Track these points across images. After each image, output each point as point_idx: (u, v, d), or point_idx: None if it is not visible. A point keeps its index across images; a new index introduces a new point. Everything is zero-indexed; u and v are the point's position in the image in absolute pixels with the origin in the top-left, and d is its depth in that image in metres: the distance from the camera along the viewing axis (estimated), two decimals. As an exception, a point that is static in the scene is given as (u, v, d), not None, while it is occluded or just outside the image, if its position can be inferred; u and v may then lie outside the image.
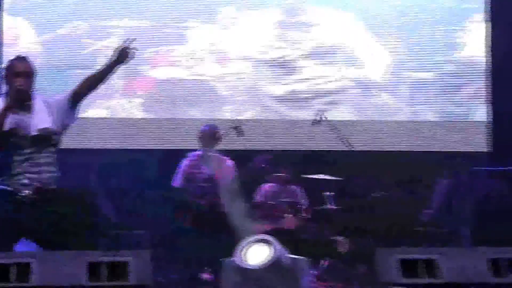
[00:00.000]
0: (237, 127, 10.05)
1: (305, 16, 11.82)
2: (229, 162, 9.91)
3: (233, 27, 11.77)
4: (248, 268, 5.83)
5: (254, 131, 11.16)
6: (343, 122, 11.15)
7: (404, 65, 11.93)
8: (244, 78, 11.78)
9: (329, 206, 10.15)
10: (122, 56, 6.47)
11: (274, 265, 5.77)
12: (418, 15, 11.98)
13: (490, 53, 11.89)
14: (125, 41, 6.50)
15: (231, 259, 6.14)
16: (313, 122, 10.59)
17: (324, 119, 10.52)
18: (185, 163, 9.78)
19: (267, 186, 10.41)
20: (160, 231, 9.90)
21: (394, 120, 11.82)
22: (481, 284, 5.97)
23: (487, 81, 11.89)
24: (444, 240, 10.19)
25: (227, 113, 11.68)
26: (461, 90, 11.93)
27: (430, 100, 11.91)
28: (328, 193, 10.18)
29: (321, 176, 10.25)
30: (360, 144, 10.80)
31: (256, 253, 5.86)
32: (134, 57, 6.50)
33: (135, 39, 6.57)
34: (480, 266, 6.02)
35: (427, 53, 11.99)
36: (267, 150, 11.03)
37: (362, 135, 11.22)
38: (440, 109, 11.90)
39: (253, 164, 10.41)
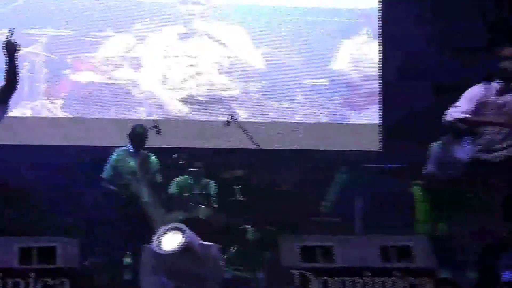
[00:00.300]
0: (156, 127, 9.96)
1: (208, 29, 11.78)
2: (153, 158, 9.81)
3: (145, 37, 11.65)
4: (162, 253, 5.76)
5: (172, 130, 11.04)
6: (250, 123, 11.09)
7: (300, 74, 11.88)
8: (156, 82, 11.66)
9: (237, 198, 10.10)
10: (11, 47, 6.47)
11: (185, 251, 5.71)
12: (312, 28, 11.92)
13: (380, 63, 11.92)
14: (7, 34, 6.52)
15: (149, 245, 6.08)
16: (224, 123, 10.55)
17: (234, 120, 10.49)
18: (113, 157, 9.68)
19: (182, 179, 10.34)
20: (87, 219, 9.75)
21: (292, 121, 11.81)
22: (372, 268, 5.97)
23: (378, 88, 11.92)
24: (340, 229, 10.23)
25: (140, 113, 11.55)
26: (354, 95, 11.95)
27: (323, 104, 11.90)
28: (237, 186, 10.14)
29: (233, 171, 10.23)
30: (264, 142, 10.74)
31: (170, 240, 5.79)
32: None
33: (14, 28, 6.62)
34: (371, 252, 6.03)
35: (321, 63, 11.93)
36: (183, 148, 10.96)
37: (266, 135, 11.16)
38: (333, 112, 11.90)
39: (171, 160, 10.33)
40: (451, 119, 6.91)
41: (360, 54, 12.05)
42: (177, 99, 11.70)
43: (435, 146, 7.16)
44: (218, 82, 11.76)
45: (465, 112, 6.87)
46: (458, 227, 10.17)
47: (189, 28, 11.78)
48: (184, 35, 11.75)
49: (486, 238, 6.92)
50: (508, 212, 6.74)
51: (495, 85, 6.92)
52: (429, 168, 7.29)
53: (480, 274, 6.74)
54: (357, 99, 12.00)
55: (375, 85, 11.96)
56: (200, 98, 11.73)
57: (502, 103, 6.91)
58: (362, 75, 12.02)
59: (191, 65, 11.75)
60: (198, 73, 11.76)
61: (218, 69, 11.77)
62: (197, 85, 11.72)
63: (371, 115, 11.94)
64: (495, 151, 6.89)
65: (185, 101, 11.72)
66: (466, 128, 6.89)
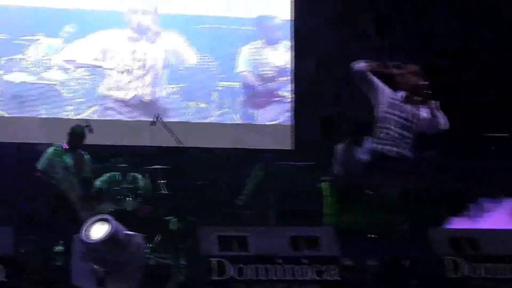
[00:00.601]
0: (88, 126, 9.83)
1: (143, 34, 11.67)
2: (86, 156, 9.71)
3: (76, 40, 11.46)
4: (90, 242, 5.65)
5: (103, 129, 10.88)
6: (174, 123, 10.99)
7: (216, 76, 11.80)
8: (85, 83, 11.46)
9: (162, 192, 10.02)
10: None
11: (111, 239, 5.62)
12: (228, 35, 11.86)
13: (293, 67, 11.91)
14: None
15: (79, 234, 5.98)
16: (151, 123, 10.46)
17: (159, 120, 10.40)
18: (50, 150, 9.54)
19: (111, 175, 10.20)
20: (22, 209, 9.55)
21: (207, 122, 11.73)
22: (283, 256, 5.93)
23: (291, 91, 11.91)
24: (254, 220, 10.23)
25: (68, 112, 11.38)
26: (269, 97, 11.93)
27: (236, 105, 11.85)
28: (162, 181, 10.05)
29: (157, 167, 10.14)
30: (187, 141, 10.65)
31: (97, 230, 5.69)
32: None
33: None
34: (282, 242, 6.00)
35: (234, 66, 11.89)
36: (113, 145, 10.85)
37: (188, 134, 11.07)
38: (245, 112, 11.87)
39: (102, 157, 10.21)
40: (360, 68, 6.95)
41: (271, 59, 12.02)
42: (108, 99, 11.54)
43: (339, 147, 7.22)
44: (145, 84, 11.62)
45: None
46: (362, 219, 10.25)
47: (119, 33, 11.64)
48: (114, 40, 11.59)
49: (386, 229, 6.97)
50: (404, 203, 6.83)
51: (401, 93, 7.05)
52: (335, 168, 7.34)
53: (381, 261, 6.80)
54: (269, 101, 11.97)
55: (288, 88, 11.95)
56: (129, 99, 11.58)
57: (404, 109, 7.02)
58: (274, 79, 11.99)
59: (122, 67, 11.59)
60: (128, 75, 11.60)
61: (146, 71, 11.64)
62: (126, 86, 11.57)
63: (284, 117, 11.93)
64: (389, 145, 6.99)
65: (115, 100, 11.57)
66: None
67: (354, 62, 7.03)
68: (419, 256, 6.33)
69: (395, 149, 7.00)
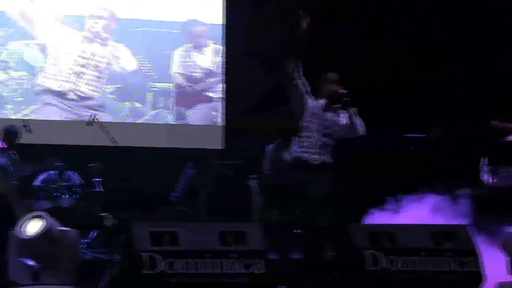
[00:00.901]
0: (26, 126, 9.75)
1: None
2: (16, 155, 9.64)
3: (11, 41, 11.36)
4: (24, 238, 5.60)
5: (41, 129, 10.78)
6: (110, 123, 10.94)
7: (150, 77, 11.77)
8: (23, 82, 11.33)
9: (97, 189, 9.96)
10: None
11: (45, 235, 5.57)
12: (162, 38, 11.88)
13: (223, 69, 11.92)
14: None
15: (14, 230, 5.92)
16: (87, 123, 10.40)
17: (95, 120, 10.35)
18: None
19: (48, 173, 10.10)
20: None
21: (141, 122, 11.68)
22: (212, 251, 5.95)
23: (222, 92, 11.93)
24: (186, 216, 10.23)
25: (7, 111, 11.30)
26: (200, 98, 11.94)
27: (170, 106, 11.83)
28: (97, 179, 9.99)
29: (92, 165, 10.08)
30: (122, 140, 10.63)
31: (32, 226, 5.64)
32: None
33: None
34: (211, 237, 6.01)
35: (167, 68, 11.86)
36: (51, 145, 10.75)
37: (123, 134, 11.03)
38: (179, 114, 11.85)
39: (39, 156, 10.12)
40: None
41: (200, 61, 12.03)
42: (47, 99, 11.43)
43: (270, 147, 7.31)
44: (84, 84, 11.53)
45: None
46: (287, 216, 10.33)
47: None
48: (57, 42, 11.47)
49: (309, 225, 7.06)
50: (324, 205, 6.94)
51: (321, 101, 7.14)
52: (265, 165, 7.42)
53: (304, 255, 6.89)
54: (200, 102, 11.97)
55: (218, 89, 11.97)
56: (67, 99, 11.47)
57: (325, 117, 7.13)
58: (203, 81, 12.00)
59: (62, 68, 11.49)
60: (68, 75, 11.50)
61: (86, 72, 11.54)
62: (65, 86, 11.46)
63: (215, 117, 11.95)
64: (312, 154, 7.09)
65: (53, 100, 11.46)
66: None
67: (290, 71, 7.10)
68: (341, 250, 6.41)
69: (318, 157, 7.10)
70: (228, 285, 5.87)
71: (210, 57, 12.03)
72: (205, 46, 12.04)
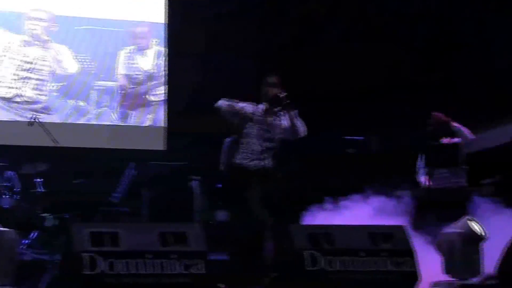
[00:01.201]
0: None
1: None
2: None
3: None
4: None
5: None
6: (52, 124, 10.81)
7: (94, 76, 11.67)
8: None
9: (38, 190, 9.85)
10: None
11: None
12: (107, 37, 11.72)
13: (166, 70, 11.87)
14: None
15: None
16: (28, 123, 10.28)
17: (36, 121, 10.24)
18: None
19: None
20: None
21: (84, 123, 11.59)
22: (152, 251, 5.92)
23: (164, 94, 11.88)
24: (127, 217, 10.18)
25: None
26: (144, 100, 11.88)
27: (114, 105, 11.75)
28: (38, 179, 9.88)
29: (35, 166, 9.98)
30: (63, 141, 10.51)
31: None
32: None
33: None
34: (152, 238, 5.99)
35: (112, 67, 11.73)
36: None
37: (65, 134, 10.91)
38: (123, 114, 11.78)
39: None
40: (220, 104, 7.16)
41: (142, 63, 11.97)
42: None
43: (227, 140, 7.29)
44: (27, 84, 11.38)
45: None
46: (229, 216, 10.35)
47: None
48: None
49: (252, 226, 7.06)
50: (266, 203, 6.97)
51: (261, 106, 7.16)
52: (221, 161, 7.39)
53: (244, 255, 6.90)
54: (143, 103, 11.90)
55: (161, 91, 11.91)
56: (10, 99, 11.30)
57: (266, 122, 7.15)
58: (146, 82, 11.93)
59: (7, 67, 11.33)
60: (11, 75, 11.33)
61: (29, 72, 11.40)
62: (8, 86, 11.29)
63: (158, 119, 11.89)
64: (253, 160, 7.11)
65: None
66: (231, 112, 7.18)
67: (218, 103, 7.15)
68: (280, 250, 6.43)
69: (258, 162, 7.12)
70: (169, 286, 5.85)
71: (153, 59, 11.96)
72: (148, 47, 11.96)
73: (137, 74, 11.90)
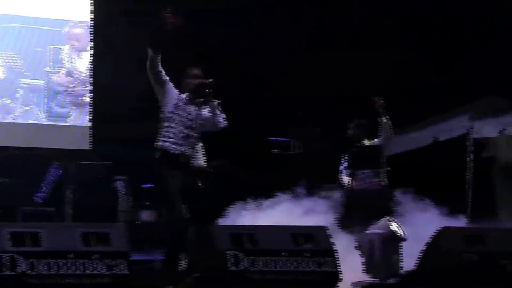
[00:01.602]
0: None
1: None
2: None
3: None
4: None
5: None
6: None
7: (21, 74, 11.48)
8: None
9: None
10: None
11: None
12: (35, 35, 11.58)
13: (92, 69, 11.74)
14: None
15: None
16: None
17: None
18: None
19: None
20: None
21: (8, 121, 11.38)
22: (74, 251, 5.85)
23: (89, 93, 11.75)
24: (50, 217, 10.05)
25: None
26: (70, 99, 11.73)
27: (41, 104, 11.57)
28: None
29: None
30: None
31: None
32: None
33: None
34: (74, 238, 5.91)
35: (40, 65, 11.58)
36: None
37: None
38: (50, 112, 11.60)
39: None
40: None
41: (75, 62, 11.83)
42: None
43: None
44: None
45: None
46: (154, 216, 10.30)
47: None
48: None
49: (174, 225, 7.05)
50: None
51: (185, 95, 7.17)
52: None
53: (167, 256, 6.89)
54: (69, 102, 11.75)
55: (88, 91, 11.78)
56: None
57: (188, 110, 7.14)
58: (75, 82, 11.79)
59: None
60: None
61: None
62: None
63: (83, 118, 11.76)
64: (174, 144, 7.11)
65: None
66: None
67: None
68: (203, 250, 6.41)
69: (179, 147, 7.13)
70: (91, 286, 5.78)
71: (84, 58, 11.84)
72: (85, 49, 11.82)
73: (76, 74, 11.77)
